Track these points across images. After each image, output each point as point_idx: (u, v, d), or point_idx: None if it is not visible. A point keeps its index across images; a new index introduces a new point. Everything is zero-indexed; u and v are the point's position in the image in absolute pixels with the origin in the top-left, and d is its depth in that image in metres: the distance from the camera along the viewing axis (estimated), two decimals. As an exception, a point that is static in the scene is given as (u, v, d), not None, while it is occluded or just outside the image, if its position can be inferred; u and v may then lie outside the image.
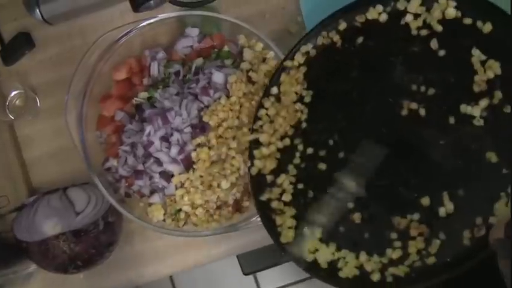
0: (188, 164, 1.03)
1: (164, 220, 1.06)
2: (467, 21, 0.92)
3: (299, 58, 1.02)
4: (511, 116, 0.86)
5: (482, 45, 0.90)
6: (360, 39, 0.99)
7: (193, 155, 1.03)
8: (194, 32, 1.10)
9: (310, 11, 1.14)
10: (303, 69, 1.02)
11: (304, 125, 1.00)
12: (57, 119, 1.10)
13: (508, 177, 0.84)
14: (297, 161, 0.99)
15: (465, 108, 0.89)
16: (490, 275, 0.82)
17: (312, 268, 0.95)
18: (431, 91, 0.92)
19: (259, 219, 1.01)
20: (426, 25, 0.95)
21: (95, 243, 1.06)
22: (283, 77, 1.03)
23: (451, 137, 0.89)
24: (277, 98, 1.02)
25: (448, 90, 0.91)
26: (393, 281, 0.88)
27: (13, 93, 1.16)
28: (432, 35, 0.94)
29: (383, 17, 0.98)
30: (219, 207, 1.05)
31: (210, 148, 1.03)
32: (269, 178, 1.00)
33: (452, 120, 0.89)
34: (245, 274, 1.38)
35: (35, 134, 1.18)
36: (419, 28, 0.95)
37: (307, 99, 1.01)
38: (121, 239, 1.13)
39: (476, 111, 0.88)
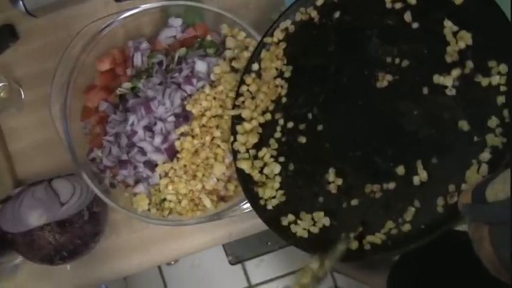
0: (172, 154, 1.04)
1: (149, 210, 1.06)
2: None
3: (278, 34, 1.04)
4: (482, 85, 0.87)
5: (454, 16, 0.91)
6: (337, 14, 1.01)
7: (177, 144, 1.03)
8: (177, 22, 1.11)
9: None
10: (283, 45, 1.04)
11: (284, 99, 1.02)
12: (42, 110, 1.10)
13: (479, 144, 0.85)
14: (278, 135, 1.01)
15: (438, 79, 0.90)
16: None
17: (295, 240, 0.96)
18: (405, 63, 0.93)
19: (244, 206, 1.02)
20: None
21: (80, 233, 1.06)
22: (263, 53, 1.04)
23: (424, 107, 0.91)
24: (258, 74, 1.04)
25: (421, 61, 0.92)
26: (370, 249, 0.90)
27: (-3, 85, 1.16)
28: (406, 8, 0.95)
29: None
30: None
31: (193, 137, 1.03)
32: (251, 152, 1.02)
33: (425, 90, 0.91)
34: (231, 264, 1.38)
35: (20, 126, 1.18)
36: (393, 1, 0.96)
37: (287, 75, 1.03)
38: (107, 229, 1.14)
39: (448, 81, 0.89)
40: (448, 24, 0.91)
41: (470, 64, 0.88)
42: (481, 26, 0.89)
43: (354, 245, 0.91)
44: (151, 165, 1.04)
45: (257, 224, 1.08)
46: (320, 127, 0.98)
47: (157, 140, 1.03)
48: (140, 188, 1.06)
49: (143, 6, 1.06)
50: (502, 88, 0.85)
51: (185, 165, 1.04)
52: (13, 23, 1.19)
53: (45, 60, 1.17)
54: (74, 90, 1.07)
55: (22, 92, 1.18)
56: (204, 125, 1.04)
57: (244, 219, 1.02)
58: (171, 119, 1.04)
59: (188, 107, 1.03)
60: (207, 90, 1.03)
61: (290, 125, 1.00)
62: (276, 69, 1.03)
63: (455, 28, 0.90)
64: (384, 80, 0.94)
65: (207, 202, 1.04)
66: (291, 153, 1.00)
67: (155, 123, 1.04)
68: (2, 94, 1.16)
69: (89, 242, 1.09)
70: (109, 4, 1.12)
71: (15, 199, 1.06)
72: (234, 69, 1.06)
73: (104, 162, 1.07)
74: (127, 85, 1.07)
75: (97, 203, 1.09)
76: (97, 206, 1.09)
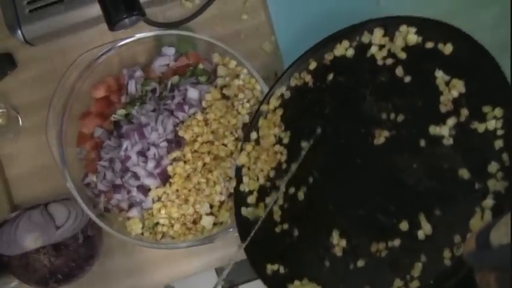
0: (165, 178, 1.06)
1: (142, 234, 1.08)
2: (429, 45, 0.95)
3: (274, 102, 1.06)
4: (479, 131, 0.87)
5: (445, 66, 0.92)
6: (330, 76, 1.02)
7: (169, 169, 1.05)
8: (170, 51, 1.14)
9: (283, 30, 1.17)
10: (279, 111, 1.05)
11: (284, 165, 1.03)
12: (38, 136, 1.12)
13: (481, 191, 0.85)
14: (280, 201, 1.02)
15: (434, 130, 0.91)
16: None
17: None
18: (401, 117, 0.94)
19: (235, 231, 1.04)
20: (391, 54, 0.98)
21: (75, 256, 1.08)
22: (261, 121, 1.06)
23: (423, 159, 0.91)
24: (257, 142, 1.06)
25: (416, 114, 0.93)
26: None
27: (-5, 112, 1.19)
28: (397, 63, 0.96)
29: (350, 52, 1.02)
30: (195, 221, 1.08)
31: (185, 162, 1.06)
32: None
33: (422, 143, 0.91)
34: (224, 288, 1.39)
35: (17, 152, 1.20)
36: (384, 58, 0.98)
37: (285, 141, 1.04)
38: (102, 253, 1.15)
39: (444, 130, 0.90)
40: (439, 74, 0.92)
41: (465, 112, 0.89)
42: (472, 73, 0.90)
43: None
44: (144, 190, 1.06)
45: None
46: (321, 190, 1.00)
47: (150, 165, 1.05)
48: (134, 212, 1.08)
49: (138, 36, 1.09)
50: (499, 132, 0.86)
51: (177, 190, 1.06)
52: (11, 51, 1.21)
53: (42, 87, 1.19)
54: (70, 116, 1.10)
55: (20, 119, 1.20)
56: (195, 151, 1.06)
57: (237, 243, 1.03)
58: (164, 144, 1.06)
59: (180, 133, 1.06)
60: (199, 116, 1.06)
61: (292, 190, 1.01)
62: (275, 136, 1.05)
63: (447, 77, 0.91)
64: (381, 137, 0.95)
65: (206, 223, 1.06)
66: (295, 219, 1.01)
67: (149, 149, 1.06)
68: (0, 120, 1.18)
69: (83, 265, 1.11)
70: (105, 33, 1.15)
71: (12, 223, 1.08)
72: (225, 97, 1.08)
73: (99, 186, 1.09)
74: (121, 112, 1.10)
75: (92, 226, 1.11)
76: (92, 230, 1.11)
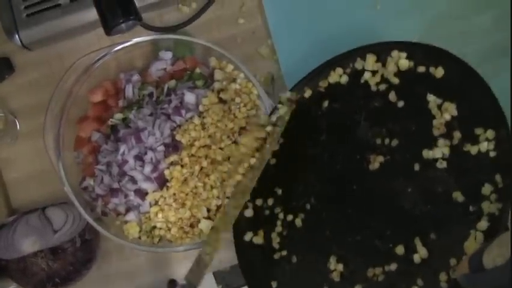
0: (162, 182, 1.07)
1: (139, 237, 1.08)
2: (421, 69, 0.96)
3: (270, 129, 1.06)
4: (471, 154, 0.89)
5: (436, 89, 0.93)
6: (325, 103, 1.03)
7: (167, 173, 1.06)
8: (167, 55, 1.14)
9: (279, 34, 1.18)
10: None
11: (280, 191, 1.04)
12: (36, 141, 1.11)
13: (476, 214, 0.86)
14: (279, 229, 1.02)
15: (427, 153, 0.92)
16: None
17: None
18: (395, 142, 0.96)
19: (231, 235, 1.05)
20: (384, 80, 0.99)
21: (72, 260, 1.09)
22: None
23: (417, 183, 0.92)
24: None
25: (410, 138, 0.95)
26: None
27: (-7, 116, 1.19)
28: (390, 88, 0.98)
29: (344, 79, 1.03)
30: (192, 225, 1.08)
31: (182, 166, 1.06)
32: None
33: (417, 167, 0.93)
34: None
35: (15, 156, 1.20)
36: (377, 84, 0.99)
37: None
38: (99, 257, 1.15)
39: (438, 154, 0.91)
40: (432, 98, 0.93)
41: (457, 134, 0.90)
42: (463, 95, 0.91)
43: None
44: (142, 194, 1.06)
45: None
46: (318, 216, 1.00)
47: (147, 169, 1.06)
48: (131, 216, 1.08)
49: (135, 40, 1.09)
50: (492, 154, 0.87)
51: (174, 194, 1.06)
52: (9, 56, 1.21)
53: (40, 92, 1.19)
54: (68, 121, 1.10)
55: (17, 123, 1.20)
56: (193, 155, 1.06)
57: (234, 247, 1.04)
58: (161, 148, 1.06)
59: (177, 137, 1.06)
60: (196, 120, 1.06)
61: (290, 217, 1.02)
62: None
63: (439, 101, 0.93)
64: (376, 162, 0.96)
65: (204, 226, 1.06)
66: (293, 245, 1.01)
67: (146, 153, 1.06)
68: (-3, 125, 1.19)
69: (81, 269, 1.11)
70: (102, 38, 1.14)
71: (10, 227, 1.08)
72: (221, 101, 1.09)
73: (96, 190, 1.09)
74: (118, 116, 1.10)
75: (89, 230, 1.11)
76: (89, 234, 1.11)
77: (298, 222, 1.01)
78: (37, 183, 1.19)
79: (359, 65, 1.01)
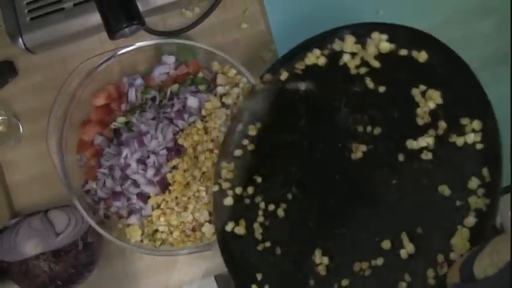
0: (164, 186, 1.07)
1: (141, 241, 1.09)
2: (403, 52, 0.93)
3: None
4: (457, 145, 0.85)
5: (420, 75, 0.90)
6: (302, 86, 1.00)
7: (169, 176, 1.06)
8: (170, 59, 1.14)
9: (282, 39, 1.18)
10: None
11: (259, 179, 1.01)
12: (39, 144, 1.12)
13: (463, 209, 0.83)
14: (260, 219, 0.99)
15: (411, 143, 0.88)
16: None
17: None
18: (377, 130, 0.92)
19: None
20: (364, 62, 0.95)
21: (74, 262, 1.09)
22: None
23: (402, 174, 0.89)
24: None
25: (393, 127, 0.91)
26: None
27: (-4, 119, 1.19)
28: (371, 72, 0.94)
29: (322, 61, 0.99)
30: (194, 229, 1.08)
31: (184, 170, 1.06)
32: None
33: (401, 157, 0.89)
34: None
35: (18, 159, 1.21)
36: (357, 67, 0.96)
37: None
38: (101, 260, 1.16)
39: (422, 144, 0.87)
40: (414, 84, 0.90)
41: (443, 124, 0.87)
42: (448, 83, 0.87)
43: None
44: (144, 197, 1.07)
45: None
46: (300, 207, 0.96)
47: (150, 172, 1.06)
48: (133, 219, 1.08)
49: (138, 44, 1.10)
50: (478, 146, 0.84)
51: (176, 197, 1.07)
52: (13, 59, 1.22)
53: (43, 95, 1.19)
54: (71, 124, 1.11)
55: (20, 126, 1.21)
56: (195, 158, 1.07)
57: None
58: (163, 152, 1.07)
59: (180, 141, 1.06)
60: (199, 124, 1.07)
61: (271, 207, 0.98)
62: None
63: (423, 87, 0.89)
64: (358, 151, 0.93)
65: (206, 230, 1.06)
66: (276, 237, 0.97)
67: (148, 157, 1.07)
68: (1, 128, 1.18)
69: (83, 272, 1.11)
70: (105, 42, 1.14)
71: (12, 229, 1.08)
72: (224, 105, 1.09)
73: (99, 194, 1.10)
74: (121, 119, 1.11)
75: (91, 233, 1.11)
76: (91, 237, 1.11)
77: (280, 212, 0.97)
78: (40, 186, 1.19)
79: (337, 46, 0.98)
